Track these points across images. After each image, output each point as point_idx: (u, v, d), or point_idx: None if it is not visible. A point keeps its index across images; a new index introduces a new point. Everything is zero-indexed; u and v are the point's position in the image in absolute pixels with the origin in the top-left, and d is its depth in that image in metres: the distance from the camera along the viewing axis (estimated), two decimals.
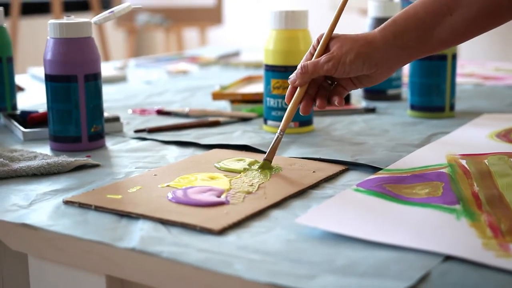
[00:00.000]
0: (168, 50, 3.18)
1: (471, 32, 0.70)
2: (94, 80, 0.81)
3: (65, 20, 0.81)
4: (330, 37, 0.72)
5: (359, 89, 0.81)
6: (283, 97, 0.88)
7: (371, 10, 1.12)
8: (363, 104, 1.07)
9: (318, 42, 0.73)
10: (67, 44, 0.79)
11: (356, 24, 2.69)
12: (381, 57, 0.69)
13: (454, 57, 0.97)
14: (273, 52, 0.88)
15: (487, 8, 0.68)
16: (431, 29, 0.69)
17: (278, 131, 0.72)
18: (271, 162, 0.72)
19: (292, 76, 0.73)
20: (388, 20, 0.71)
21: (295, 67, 0.88)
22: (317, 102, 0.73)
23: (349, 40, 0.70)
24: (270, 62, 0.89)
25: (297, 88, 0.73)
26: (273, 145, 0.72)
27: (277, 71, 0.88)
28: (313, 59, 0.72)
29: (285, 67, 0.88)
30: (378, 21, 1.11)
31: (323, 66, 0.70)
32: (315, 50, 0.73)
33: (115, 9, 0.83)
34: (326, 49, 0.72)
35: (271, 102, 0.89)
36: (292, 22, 0.88)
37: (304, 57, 0.74)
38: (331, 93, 0.73)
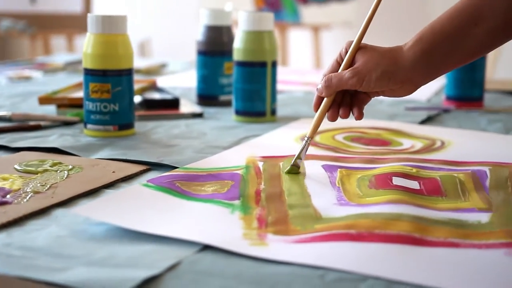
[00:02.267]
0: (34, 57, 3.09)
1: (496, 42, 0.70)
2: None
3: None
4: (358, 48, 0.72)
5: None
6: (101, 100, 0.89)
7: (202, 18, 1.15)
8: (194, 109, 1.09)
9: (346, 51, 0.73)
10: None
11: (192, 30, 2.73)
12: (407, 76, 0.69)
13: (274, 64, 1.02)
14: (91, 56, 0.89)
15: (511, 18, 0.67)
16: (458, 43, 0.68)
17: (306, 137, 0.73)
18: (299, 167, 0.72)
19: (319, 87, 0.72)
20: (416, 37, 0.70)
21: (114, 71, 0.89)
22: (340, 112, 0.73)
23: (376, 55, 0.70)
24: (89, 66, 0.89)
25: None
26: (300, 151, 0.72)
27: (96, 75, 0.89)
28: (340, 70, 0.72)
29: (104, 71, 0.89)
30: (210, 29, 1.14)
31: (348, 81, 0.70)
32: (342, 59, 0.73)
33: None
34: (353, 59, 0.72)
35: (90, 105, 0.90)
36: (109, 26, 0.89)
37: (330, 66, 0.74)
38: (353, 101, 0.73)
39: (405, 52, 0.69)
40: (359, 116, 0.72)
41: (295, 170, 0.72)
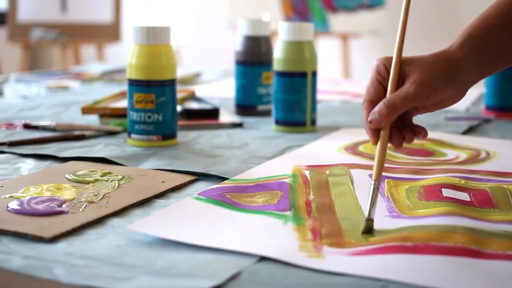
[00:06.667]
0: (65, 67, 3.13)
1: None
2: None
3: None
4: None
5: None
6: (145, 111, 0.90)
7: (241, 28, 1.16)
8: (233, 119, 1.10)
9: (386, 68, 0.65)
10: None
11: (223, 39, 2.73)
12: (466, 78, 0.64)
13: (314, 74, 1.02)
14: (136, 67, 0.90)
15: None
16: (507, 42, 0.65)
17: (372, 181, 0.60)
18: (373, 220, 0.59)
19: (374, 118, 0.62)
20: (464, 35, 0.65)
21: (157, 82, 0.91)
22: (406, 136, 0.65)
23: (429, 62, 0.63)
24: (133, 76, 0.91)
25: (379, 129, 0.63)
26: (371, 200, 0.59)
27: (140, 85, 0.90)
28: (389, 89, 0.64)
29: (148, 82, 0.90)
30: (249, 39, 1.15)
31: (415, 97, 0.62)
32: (383, 77, 0.65)
33: None
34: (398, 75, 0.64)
35: (134, 116, 0.91)
36: (153, 37, 0.90)
37: (372, 89, 0.65)
38: (403, 122, 0.66)
39: (456, 52, 0.64)
40: (426, 133, 0.65)
41: (370, 225, 0.58)
